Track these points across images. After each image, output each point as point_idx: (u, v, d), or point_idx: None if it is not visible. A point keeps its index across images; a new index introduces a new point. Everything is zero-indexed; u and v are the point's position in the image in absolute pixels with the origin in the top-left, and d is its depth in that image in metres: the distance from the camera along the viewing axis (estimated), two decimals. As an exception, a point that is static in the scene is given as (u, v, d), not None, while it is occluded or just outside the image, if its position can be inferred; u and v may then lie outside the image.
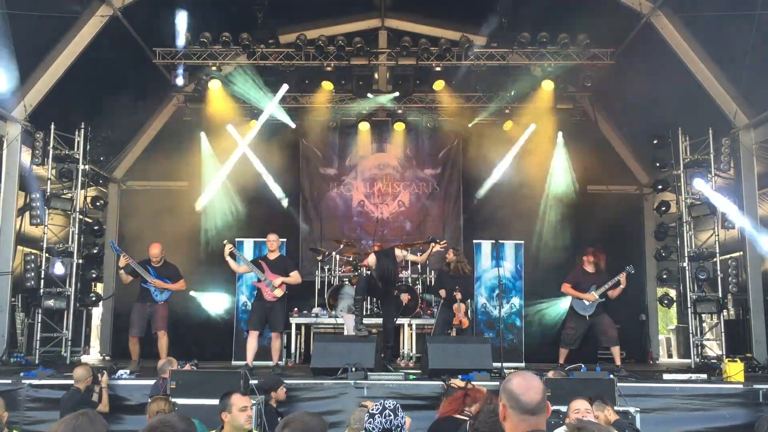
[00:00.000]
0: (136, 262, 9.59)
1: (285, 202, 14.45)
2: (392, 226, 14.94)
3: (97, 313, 14.53)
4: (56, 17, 10.50)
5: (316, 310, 12.09)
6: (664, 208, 13.13)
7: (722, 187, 11.88)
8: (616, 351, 9.89)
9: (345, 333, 10.85)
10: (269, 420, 6.65)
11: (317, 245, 13.92)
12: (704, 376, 9.10)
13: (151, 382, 7.81)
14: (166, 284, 9.67)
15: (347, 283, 12.29)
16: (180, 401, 6.60)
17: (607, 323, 9.85)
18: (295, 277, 9.48)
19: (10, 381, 8.04)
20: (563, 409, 5.50)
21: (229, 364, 11.26)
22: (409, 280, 12.43)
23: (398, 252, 9.82)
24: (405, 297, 10.14)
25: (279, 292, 9.25)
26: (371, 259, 9.52)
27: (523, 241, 12.58)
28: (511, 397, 2.64)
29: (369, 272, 9.53)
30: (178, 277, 9.87)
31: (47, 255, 11.36)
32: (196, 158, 14.34)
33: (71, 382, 7.50)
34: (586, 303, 9.78)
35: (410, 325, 11.57)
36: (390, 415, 4.06)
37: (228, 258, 9.36)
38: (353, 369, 8.00)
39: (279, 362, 9.58)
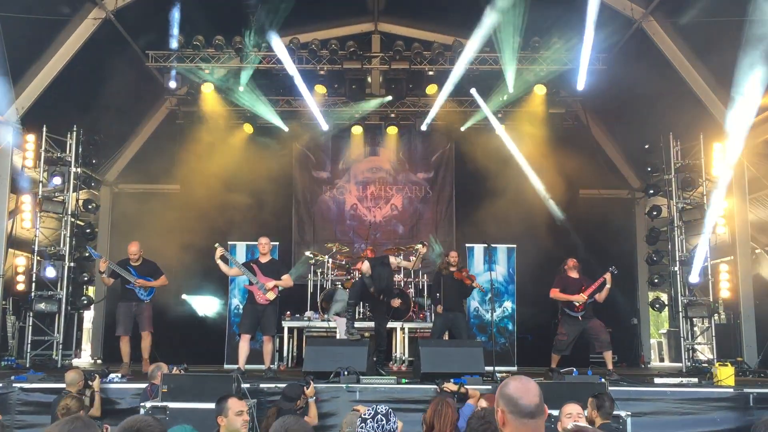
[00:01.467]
0: (115, 264, 9.61)
1: (281, 209, 14.40)
2: (385, 229, 14.95)
3: (88, 316, 14.49)
4: (48, 20, 10.47)
5: (308, 313, 12.07)
6: (655, 213, 13.17)
7: (713, 192, 11.95)
8: (608, 356, 9.90)
9: (337, 337, 10.85)
10: None
11: (310, 249, 13.92)
12: (695, 380, 9.11)
13: (143, 385, 7.80)
14: (149, 282, 9.71)
15: (340, 286, 12.29)
16: (172, 405, 6.59)
17: (599, 328, 9.88)
18: (287, 280, 9.47)
19: (0, 385, 8.00)
20: (555, 413, 5.51)
21: (221, 368, 11.23)
22: (402, 284, 12.43)
23: (393, 259, 9.83)
24: (395, 302, 10.06)
25: (271, 295, 9.23)
26: (365, 267, 9.53)
27: (515, 245, 12.61)
28: (509, 402, 2.63)
29: (363, 278, 9.53)
30: (158, 273, 9.92)
31: (39, 258, 11.32)
32: (189, 161, 14.31)
33: (62, 385, 7.45)
34: (577, 304, 9.82)
35: (403, 329, 11.57)
36: (382, 420, 4.07)
37: (219, 261, 9.34)
38: (345, 372, 7.99)
39: (271, 366, 9.56)
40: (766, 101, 10.45)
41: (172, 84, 12.68)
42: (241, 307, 11.55)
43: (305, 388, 7.13)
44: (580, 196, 14.73)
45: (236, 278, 11.87)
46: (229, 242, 12.29)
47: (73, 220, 11.88)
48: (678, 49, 11.37)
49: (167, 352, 10.12)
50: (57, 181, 11.49)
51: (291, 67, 12.44)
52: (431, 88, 13.57)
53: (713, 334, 11.57)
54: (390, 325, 10.95)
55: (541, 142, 14.27)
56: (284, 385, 7.23)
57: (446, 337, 10.31)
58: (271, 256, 9.77)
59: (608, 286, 9.80)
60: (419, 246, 9.70)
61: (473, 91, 13.47)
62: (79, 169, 11.99)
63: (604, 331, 9.90)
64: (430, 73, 13.05)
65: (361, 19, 14.13)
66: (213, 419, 4.97)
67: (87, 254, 12.20)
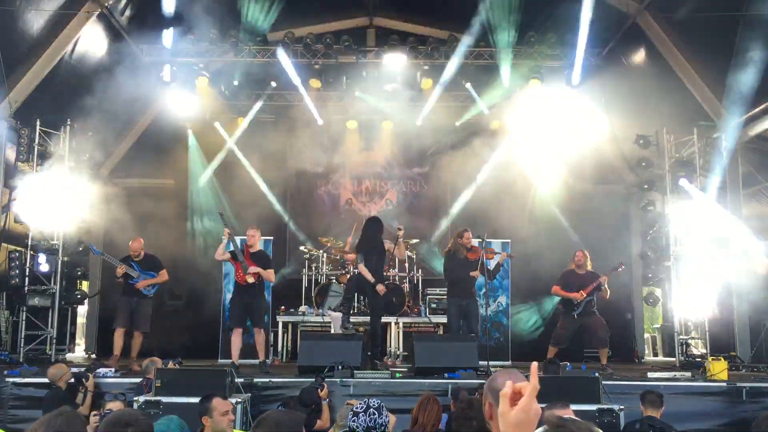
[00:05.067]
0: (118, 261, 9.59)
1: (275, 203, 14.40)
2: (379, 224, 14.90)
3: (82, 311, 14.45)
4: (42, 13, 10.41)
5: (303, 308, 12.08)
6: (650, 208, 13.19)
7: (707, 187, 11.97)
8: (603, 352, 9.94)
9: (332, 331, 10.85)
10: None
11: (305, 243, 13.90)
12: (689, 374, 9.17)
13: (135, 379, 7.79)
14: (150, 280, 9.68)
15: (334, 281, 12.28)
16: (165, 399, 6.58)
17: (597, 325, 9.89)
18: (269, 274, 9.47)
19: (-7, 379, 7.99)
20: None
21: (215, 362, 11.22)
22: (396, 278, 12.43)
23: (387, 245, 9.80)
24: (380, 287, 9.75)
25: (250, 279, 9.22)
26: (354, 256, 9.57)
27: (509, 240, 12.61)
28: (497, 396, 2.64)
29: (358, 271, 9.53)
30: (159, 268, 9.90)
31: (32, 252, 11.28)
32: (183, 156, 14.28)
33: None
34: (575, 302, 9.84)
35: (397, 324, 11.57)
36: (374, 414, 4.10)
37: (223, 245, 9.41)
38: (340, 367, 8.00)
39: (266, 360, 9.54)
40: (760, 96, 10.48)
41: (167, 78, 12.62)
42: (235, 301, 11.59)
43: (319, 390, 7.07)
44: (574, 191, 14.72)
45: (230, 273, 11.86)
46: (223, 237, 12.26)
47: (66, 214, 11.82)
48: (672, 43, 11.37)
49: (161, 347, 10.11)
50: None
51: (286, 62, 12.42)
52: (426, 83, 13.56)
53: (707, 329, 11.60)
54: (384, 319, 10.94)
55: (536, 137, 14.27)
56: (300, 390, 7.08)
57: (441, 332, 10.29)
58: (259, 248, 9.75)
59: (605, 287, 9.82)
60: (399, 232, 9.69)
61: (468, 85, 13.49)
62: (72, 164, 11.93)
63: (603, 330, 9.89)
64: (425, 67, 13.03)
65: (356, 14, 14.10)
66: (200, 414, 4.95)
67: (80, 249, 12.19)
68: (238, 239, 12.28)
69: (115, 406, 5.90)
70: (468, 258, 9.71)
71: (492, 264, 9.93)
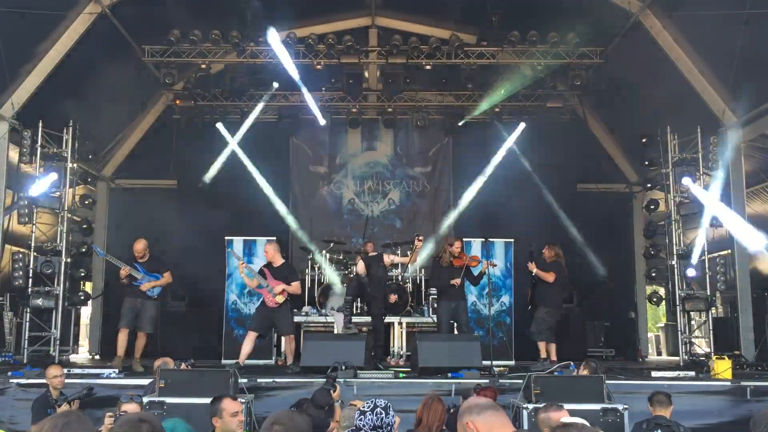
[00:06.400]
0: (122, 262, 9.59)
1: (278, 204, 14.37)
2: (382, 224, 14.93)
3: (86, 312, 14.46)
4: (44, 14, 10.41)
5: (306, 308, 12.07)
6: (653, 207, 13.18)
7: (710, 185, 11.94)
8: (540, 347, 9.78)
9: (335, 331, 10.85)
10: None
11: (307, 244, 13.88)
12: (692, 373, 9.15)
13: (136, 380, 7.79)
14: (155, 282, 9.66)
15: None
16: (169, 400, 6.57)
17: (534, 317, 9.88)
18: (295, 287, 9.41)
19: (-3, 380, 7.98)
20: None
21: (218, 363, 11.21)
22: (400, 278, 12.42)
23: (386, 258, 9.93)
24: (392, 297, 10.06)
25: (280, 299, 9.19)
26: (360, 267, 9.61)
27: (513, 240, 12.59)
28: (469, 410, 2.79)
29: (359, 276, 9.59)
30: (165, 269, 9.86)
31: (35, 254, 11.28)
32: (186, 156, 14.28)
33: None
34: None
35: (401, 324, 11.56)
36: (381, 413, 4.12)
37: (243, 275, 9.39)
38: (343, 367, 7.98)
39: (292, 364, 9.45)
40: (764, 94, 10.46)
41: (169, 79, 12.63)
42: (237, 302, 11.69)
43: (332, 391, 7.04)
44: (577, 191, 14.73)
45: (233, 273, 11.93)
46: (226, 237, 12.25)
47: (69, 215, 11.84)
48: (675, 42, 11.33)
49: (164, 348, 10.09)
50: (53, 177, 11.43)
51: (288, 63, 12.40)
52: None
53: (710, 328, 11.56)
54: (388, 319, 10.95)
55: (539, 136, 14.26)
56: (313, 392, 7.04)
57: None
58: (283, 261, 9.70)
59: (530, 270, 9.88)
60: (417, 242, 9.77)
61: (470, 85, 13.49)
62: (75, 165, 11.95)
63: (535, 322, 9.83)
64: (428, 67, 13.02)
65: (359, 14, 14.10)
66: (210, 415, 4.94)
67: (84, 250, 12.21)
68: (240, 240, 12.38)
69: (130, 407, 5.88)
70: (453, 264, 9.88)
71: (477, 270, 10.07)
